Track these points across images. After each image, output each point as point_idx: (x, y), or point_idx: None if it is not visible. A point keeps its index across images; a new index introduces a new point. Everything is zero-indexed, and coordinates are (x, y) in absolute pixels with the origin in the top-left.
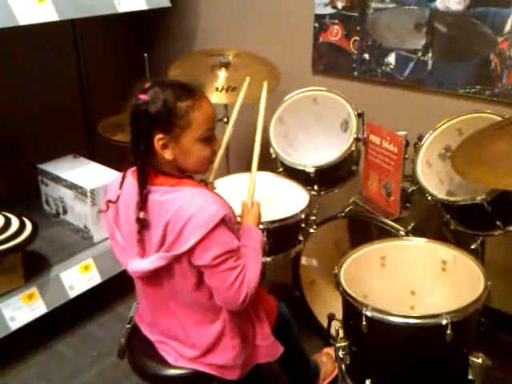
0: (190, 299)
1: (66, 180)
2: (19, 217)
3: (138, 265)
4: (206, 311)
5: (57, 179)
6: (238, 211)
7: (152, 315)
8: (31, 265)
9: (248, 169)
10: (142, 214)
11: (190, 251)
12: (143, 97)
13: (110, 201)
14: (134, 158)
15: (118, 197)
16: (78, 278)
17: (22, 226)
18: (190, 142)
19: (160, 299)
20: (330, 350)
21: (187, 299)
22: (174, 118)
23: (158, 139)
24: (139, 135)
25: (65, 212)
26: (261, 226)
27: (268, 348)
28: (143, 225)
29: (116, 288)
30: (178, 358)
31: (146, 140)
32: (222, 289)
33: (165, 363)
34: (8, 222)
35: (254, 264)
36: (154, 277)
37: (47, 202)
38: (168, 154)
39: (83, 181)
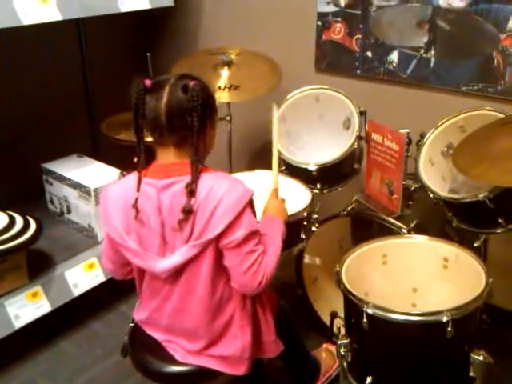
0: (206, 287)
1: (70, 179)
2: (23, 216)
3: (165, 263)
4: (219, 300)
5: (61, 178)
6: None
7: (160, 313)
8: (35, 263)
9: (250, 168)
10: (193, 201)
11: (221, 233)
12: (193, 84)
13: (135, 206)
14: (194, 150)
15: (137, 199)
16: (82, 276)
17: (27, 225)
18: (216, 125)
19: (174, 294)
20: (329, 346)
21: (203, 288)
22: (214, 105)
23: (209, 126)
24: (198, 126)
25: (69, 211)
26: None
27: (270, 344)
28: (188, 212)
29: (120, 287)
30: (184, 355)
31: (203, 130)
32: (239, 271)
33: (168, 360)
34: (12, 221)
35: (272, 252)
36: (177, 270)
37: (51, 201)
38: (211, 140)
39: (87, 180)
